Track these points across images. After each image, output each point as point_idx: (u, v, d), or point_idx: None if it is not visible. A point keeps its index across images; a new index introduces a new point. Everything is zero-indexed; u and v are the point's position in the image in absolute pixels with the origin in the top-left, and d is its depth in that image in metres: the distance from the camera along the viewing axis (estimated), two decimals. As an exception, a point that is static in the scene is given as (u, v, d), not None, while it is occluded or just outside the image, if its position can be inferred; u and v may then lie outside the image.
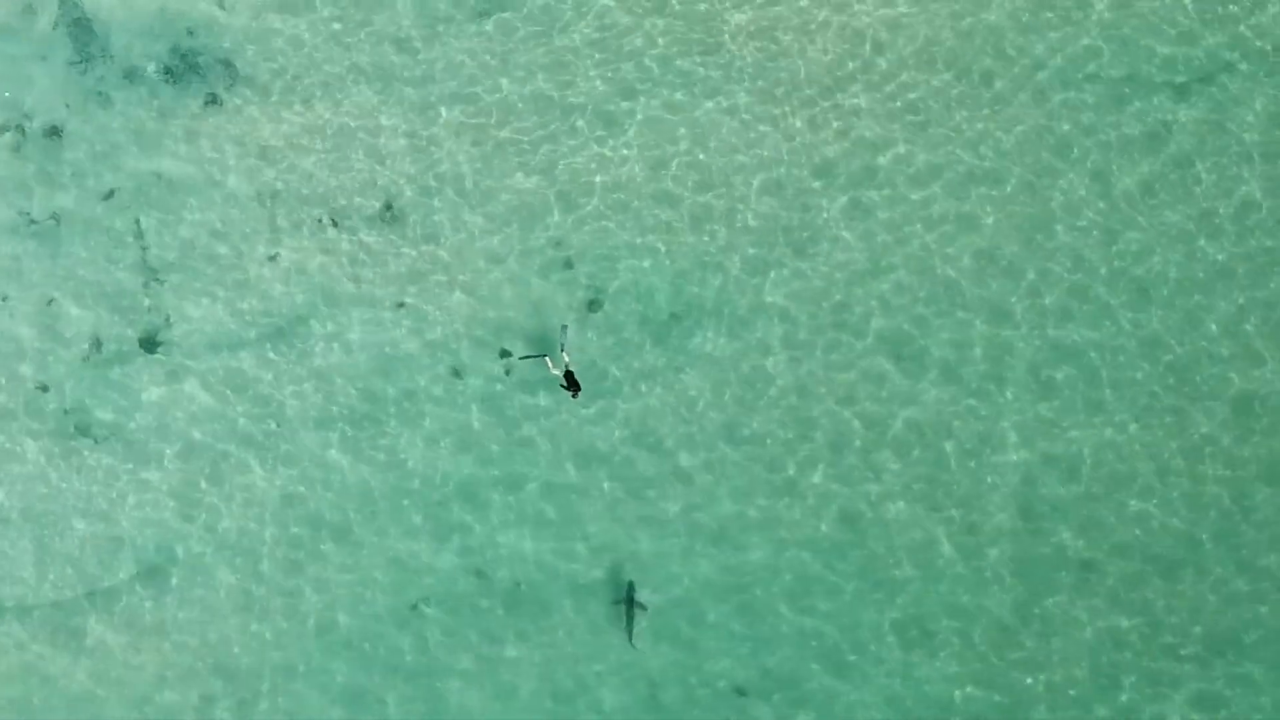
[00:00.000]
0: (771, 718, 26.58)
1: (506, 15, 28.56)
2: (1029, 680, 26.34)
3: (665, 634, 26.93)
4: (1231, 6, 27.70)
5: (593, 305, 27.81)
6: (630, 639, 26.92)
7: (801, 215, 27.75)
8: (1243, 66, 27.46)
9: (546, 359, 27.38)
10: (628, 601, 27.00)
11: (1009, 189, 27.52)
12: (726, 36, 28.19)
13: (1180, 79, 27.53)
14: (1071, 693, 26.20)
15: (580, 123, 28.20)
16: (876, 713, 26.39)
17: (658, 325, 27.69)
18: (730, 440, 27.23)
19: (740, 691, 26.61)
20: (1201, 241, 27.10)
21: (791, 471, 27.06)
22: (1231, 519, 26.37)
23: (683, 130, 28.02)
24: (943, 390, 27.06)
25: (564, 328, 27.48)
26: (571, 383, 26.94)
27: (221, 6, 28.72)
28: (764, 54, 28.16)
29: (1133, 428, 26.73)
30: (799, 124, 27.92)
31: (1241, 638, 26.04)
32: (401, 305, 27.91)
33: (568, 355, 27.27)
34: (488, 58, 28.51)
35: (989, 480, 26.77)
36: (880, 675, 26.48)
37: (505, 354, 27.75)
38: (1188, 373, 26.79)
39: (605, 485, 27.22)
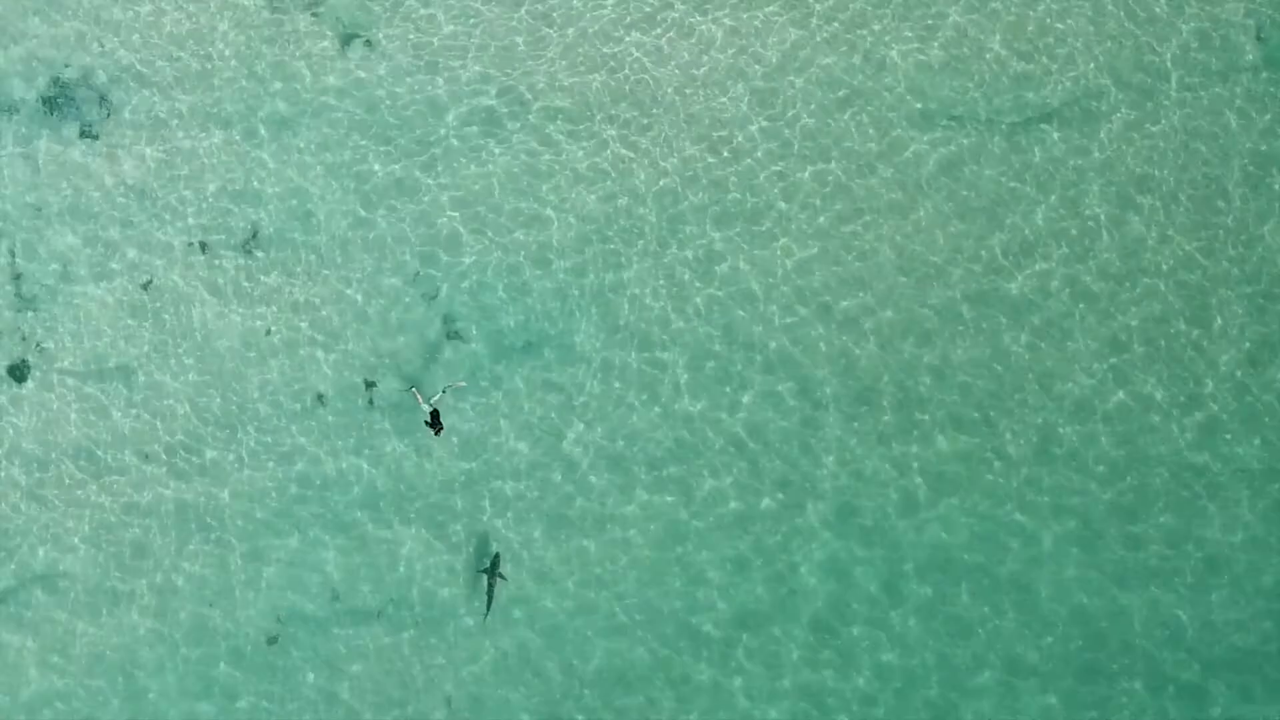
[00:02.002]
0: None
1: (371, 57, 29.80)
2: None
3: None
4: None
5: (451, 335, 28.74)
6: (487, 611, 27.25)
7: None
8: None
9: (414, 390, 28.11)
10: (490, 571, 27.38)
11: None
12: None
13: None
14: None
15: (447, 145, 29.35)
16: None
17: (514, 353, 28.59)
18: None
19: None
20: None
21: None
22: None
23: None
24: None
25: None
26: (435, 421, 27.69)
27: (100, 44, 29.77)
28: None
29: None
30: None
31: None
32: (269, 333, 28.74)
33: (438, 398, 27.97)
34: (351, 102, 29.69)
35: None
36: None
37: (370, 384, 28.54)
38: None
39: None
